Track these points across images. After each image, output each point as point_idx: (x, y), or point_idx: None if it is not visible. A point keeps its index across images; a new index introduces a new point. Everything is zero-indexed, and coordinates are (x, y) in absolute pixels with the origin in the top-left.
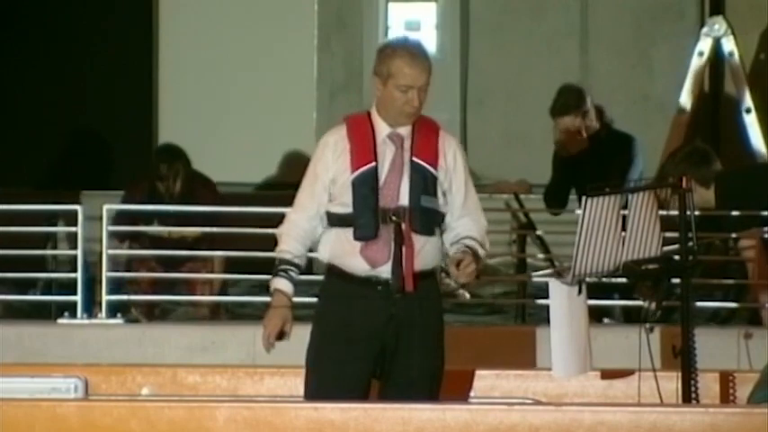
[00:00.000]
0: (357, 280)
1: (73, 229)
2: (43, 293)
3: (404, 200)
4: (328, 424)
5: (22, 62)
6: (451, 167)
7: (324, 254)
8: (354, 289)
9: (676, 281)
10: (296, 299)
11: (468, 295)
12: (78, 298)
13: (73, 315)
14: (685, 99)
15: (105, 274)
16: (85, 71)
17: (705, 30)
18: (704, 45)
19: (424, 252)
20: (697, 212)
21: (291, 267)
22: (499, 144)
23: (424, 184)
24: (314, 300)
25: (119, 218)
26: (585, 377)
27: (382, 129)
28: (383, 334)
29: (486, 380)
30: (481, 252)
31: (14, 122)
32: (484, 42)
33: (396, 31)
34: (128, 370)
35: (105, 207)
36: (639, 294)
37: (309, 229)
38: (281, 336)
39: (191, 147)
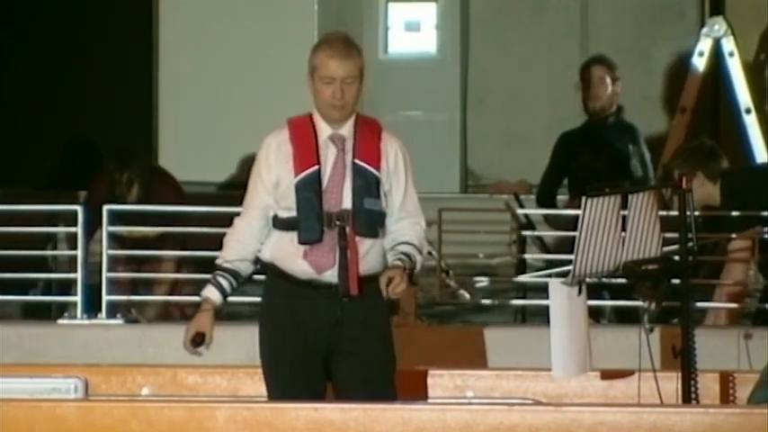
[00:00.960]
0: (299, 282)
1: (73, 229)
2: (43, 294)
3: (347, 203)
4: (328, 424)
5: (23, 63)
6: (392, 169)
7: (265, 254)
8: (298, 290)
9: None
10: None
11: (467, 295)
12: (78, 298)
13: (73, 315)
14: (685, 99)
15: (105, 274)
16: (85, 71)
17: (705, 30)
18: (704, 45)
19: (369, 255)
20: (698, 213)
21: (222, 273)
22: (499, 144)
23: (367, 186)
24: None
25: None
26: (585, 377)
27: (323, 130)
28: (329, 335)
29: (486, 380)
30: (418, 258)
31: (15, 123)
32: (484, 42)
33: (396, 32)
34: (128, 370)
35: (105, 207)
36: (639, 295)
37: (251, 233)
38: (200, 341)
39: (190, 147)
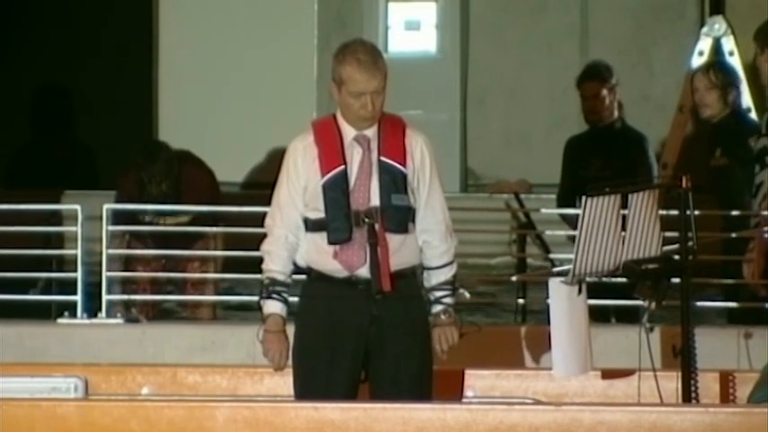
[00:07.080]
0: (337, 281)
1: (73, 228)
2: (43, 293)
3: (375, 200)
4: (328, 424)
5: (22, 63)
6: (419, 165)
7: (301, 258)
8: (336, 290)
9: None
10: None
11: (468, 295)
12: (78, 298)
13: (73, 315)
14: (684, 98)
15: (105, 274)
16: (85, 71)
17: (705, 29)
18: (704, 45)
19: (401, 251)
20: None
21: (284, 289)
22: (499, 144)
23: (394, 182)
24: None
25: (116, 216)
26: (586, 377)
27: (348, 132)
28: (367, 334)
29: (486, 380)
30: (458, 293)
31: (12, 124)
32: (484, 42)
33: (396, 31)
34: (128, 370)
35: (105, 207)
36: (640, 294)
37: (295, 242)
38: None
39: (190, 146)
